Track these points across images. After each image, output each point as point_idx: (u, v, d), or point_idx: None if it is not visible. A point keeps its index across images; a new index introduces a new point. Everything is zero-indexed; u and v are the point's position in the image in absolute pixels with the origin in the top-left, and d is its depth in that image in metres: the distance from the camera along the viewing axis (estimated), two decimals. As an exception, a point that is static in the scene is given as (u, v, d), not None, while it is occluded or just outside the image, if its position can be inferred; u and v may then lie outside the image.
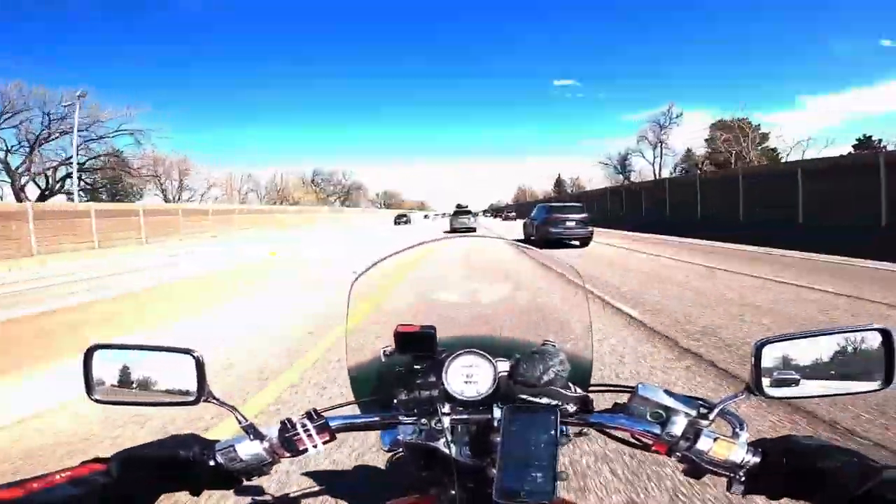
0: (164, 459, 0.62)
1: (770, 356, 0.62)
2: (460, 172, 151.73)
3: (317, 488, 2.00)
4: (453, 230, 26.51)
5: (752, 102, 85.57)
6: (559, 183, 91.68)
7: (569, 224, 14.83)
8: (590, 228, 14.95)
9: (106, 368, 0.69)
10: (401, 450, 0.79)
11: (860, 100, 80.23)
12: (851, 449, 0.55)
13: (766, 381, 0.62)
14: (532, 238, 16.45)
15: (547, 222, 15.27)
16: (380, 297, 1.19)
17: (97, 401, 0.69)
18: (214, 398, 0.69)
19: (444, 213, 77.27)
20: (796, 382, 0.62)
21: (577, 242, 15.05)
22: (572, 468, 2.19)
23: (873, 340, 0.61)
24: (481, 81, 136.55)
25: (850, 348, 0.61)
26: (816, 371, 0.62)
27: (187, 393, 0.69)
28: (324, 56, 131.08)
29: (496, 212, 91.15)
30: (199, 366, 0.68)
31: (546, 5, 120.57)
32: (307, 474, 2.13)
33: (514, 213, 58.77)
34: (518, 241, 13.16)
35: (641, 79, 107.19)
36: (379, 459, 2.18)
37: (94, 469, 0.57)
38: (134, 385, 0.69)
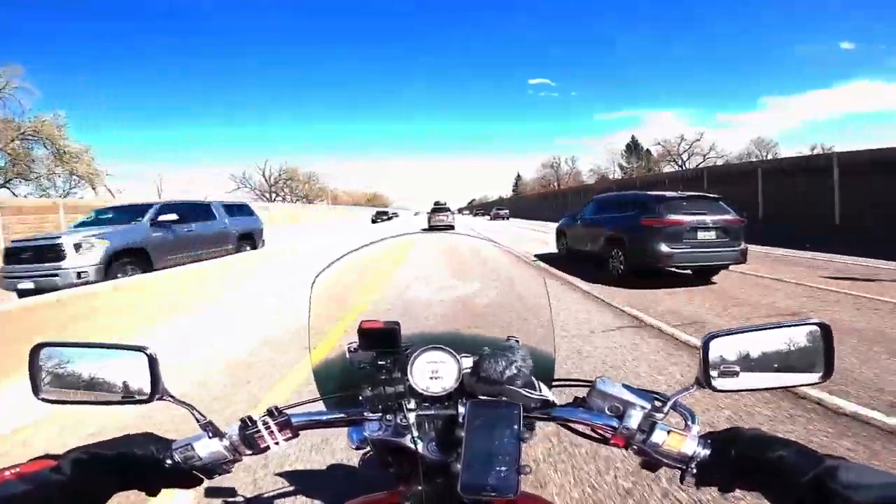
0: (117, 458, 0.61)
1: (718, 350, 0.64)
2: (437, 171, 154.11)
3: (290, 488, 1.99)
4: (431, 228, 25.99)
5: (717, 103, 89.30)
6: (517, 183, 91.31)
7: (706, 236, 7.16)
8: (743, 244, 7.36)
9: (53, 367, 0.67)
10: (369, 447, 0.78)
11: (818, 102, 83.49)
12: (794, 441, 0.57)
13: (714, 374, 0.64)
14: (590, 254, 9.12)
15: (653, 233, 7.18)
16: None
17: (45, 400, 0.67)
18: (170, 396, 0.68)
19: (417, 212, 76.91)
20: (742, 375, 0.65)
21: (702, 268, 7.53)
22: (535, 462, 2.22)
23: (814, 335, 0.64)
24: (458, 80, 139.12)
25: (793, 342, 0.64)
26: (762, 364, 0.65)
27: (140, 391, 0.67)
28: (287, 52, 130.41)
29: (478, 209, 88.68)
30: (153, 363, 0.66)
31: (521, 4, 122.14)
32: (281, 475, 2.13)
33: (506, 211, 52.00)
34: (540, 256, 10.97)
35: (612, 79, 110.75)
36: (353, 457, 2.11)
37: (44, 466, 0.56)
38: (84, 384, 0.67)
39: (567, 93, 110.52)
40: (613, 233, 8.16)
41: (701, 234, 7.22)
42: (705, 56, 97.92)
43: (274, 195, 72.43)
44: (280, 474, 2.13)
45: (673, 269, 7.39)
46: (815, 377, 0.65)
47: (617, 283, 7.37)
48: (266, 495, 1.92)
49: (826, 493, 0.48)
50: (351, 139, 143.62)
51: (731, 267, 7.53)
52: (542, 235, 18.56)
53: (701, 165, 48.49)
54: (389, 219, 50.93)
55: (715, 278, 7.70)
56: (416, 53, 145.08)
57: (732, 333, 0.65)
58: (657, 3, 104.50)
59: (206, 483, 0.69)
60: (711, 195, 8.01)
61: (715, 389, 0.65)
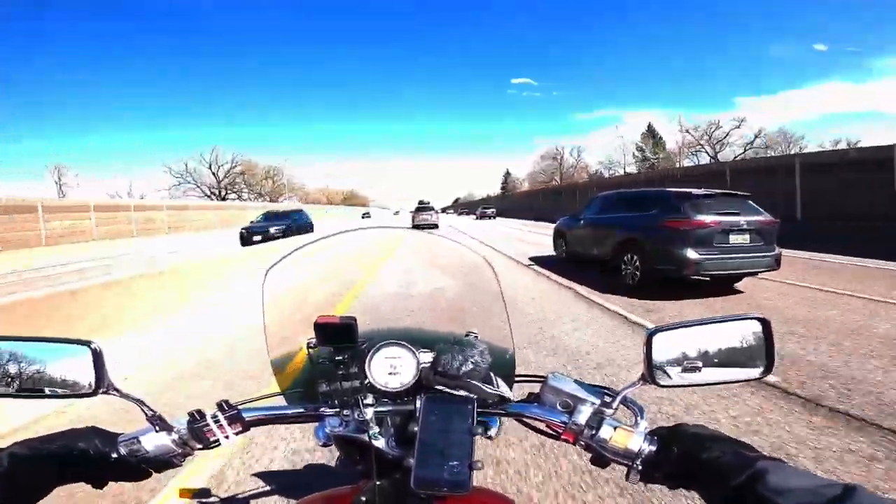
0: (59, 451, 0.61)
1: (661, 346, 0.65)
2: (419, 170, 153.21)
3: (263, 487, 1.99)
4: (415, 227, 25.84)
5: (692, 103, 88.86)
6: (506, 181, 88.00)
7: (739, 240, 6.26)
8: (777, 249, 6.49)
9: None
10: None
11: (791, 102, 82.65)
12: (735, 439, 0.57)
13: (657, 371, 0.65)
14: (596, 258, 8.22)
15: (678, 236, 6.24)
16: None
17: None
18: (115, 390, 0.68)
19: (397, 211, 76.33)
20: (686, 370, 0.65)
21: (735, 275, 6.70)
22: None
23: (754, 329, 0.65)
24: (438, 80, 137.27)
25: (735, 337, 0.65)
26: (704, 359, 0.65)
27: (84, 385, 0.67)
28: (283, 52, 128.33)
29: (463, 208, 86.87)
30: (97, 357, 0.66)
31: (502, 5, 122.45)
32: (258, 475, 2.14)
33: (492, 210, 50.23)
34: (536, 260, 10.33)
35: (592, 79, 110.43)
36: (326, 455, 2.19)
37: None
38: (25, 377, 0.66)
39: (549, 92, 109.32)
40: (627, 235, 7.17)
41: (734, 238, 6.19)
42: (682, 56, 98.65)
43: (226, 192, 62.68)
44: (259, 475, 2.15)
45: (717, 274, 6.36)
46: (756, 372, 0.65)
47: (632, 293, 6.50)
48: (235, 493, 1.90)
49: (754, 495, 0.48)
50: (344, 139, 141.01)
51: (758, 274, 6.72)
52: (535, 237, 17.76)
53: (738, 156, 43.58)
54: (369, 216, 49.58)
55: (742, 286, 6.85)
56: (399, 53, 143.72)
57: (676, 328, 0.65)
58: (638, 3, 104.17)
59: (177, 478, 0.69)
60: (740, 193, 6.93)
61: (658, 385, 0.65)
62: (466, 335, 0.81)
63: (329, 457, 2.12)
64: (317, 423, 0.79)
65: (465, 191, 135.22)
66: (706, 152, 50.31)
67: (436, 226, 28.19)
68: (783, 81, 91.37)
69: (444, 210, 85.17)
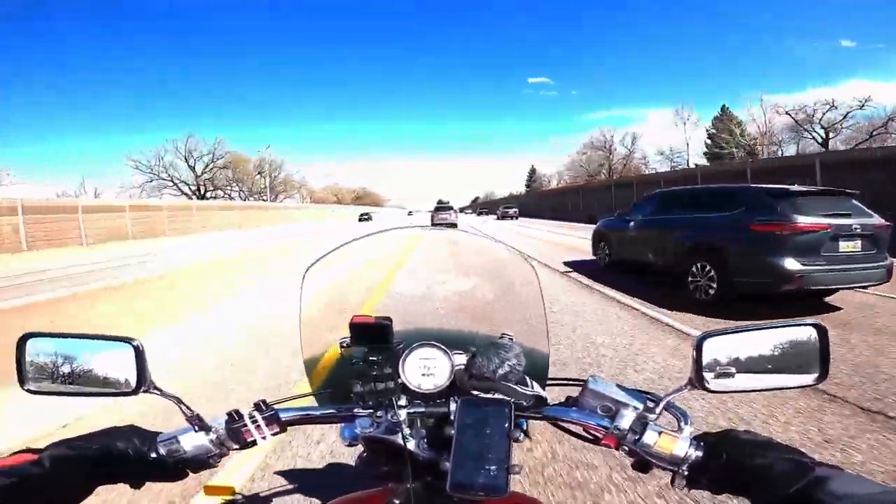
0: (99, 451, 0.61)
1: (711, 350, 0.63)
2: (437, 170, 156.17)
3: (283, 483, 2.01)
4: (434, 225, 25.79)
5: (715, 102, 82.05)
6: (532, 178, 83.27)
7: (849, 248, 5.13)
8: (889, 258, 5.35)
9: (40, 357, 0.67)
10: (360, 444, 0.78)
11: (819, 100, 74.25)
12: (788, 446, 0.55)
13: (707, 375, 0.63)
14: (651, 266, 7.19)
15: (773, 243, 5.05)
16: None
17: (30, 391, 0.67)
18: (156, 388, 0.68)
19: (411, 212, 76.67)
20: (735, 376, 0.64)
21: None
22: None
23: (809, 336, 0.63)
24: (456, 78, 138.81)
25: (787, 343, 0.63)
26: (755, 365, 0.63)
27: (126, 383, 0.67)
28: (286, 53, 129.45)
29: (483, 208, 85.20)
30: (139, 355, 0.66)
31: (520, 4, 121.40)
32: (279, 473, 2.16)
33: (515, 210, 47.76)
34: (572, 265, 9.12)
35: (611, 77, 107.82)
36: (349, 454, 2.17)
37: (25, 459, 0.56)
38: (70, 375, 0.67)
39: (566, 91, 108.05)
40: (700, 240, 5.96)
41: (843, 245, 5.07)
42: (706, 53, 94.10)
43: (207, 190, 54.01)
44: (276, 471, 2.16)
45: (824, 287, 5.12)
46: (809, 378, 0.64)
47: (705, 309, 5.35)
48: (259, 491, 1.92)
49: (812, 503, 0.47)
50: (349, 139, 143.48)
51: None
52: (568, 239, 16.10)
53: (859, 144, 31.89)
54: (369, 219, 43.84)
55: (838, 302, 5.60)
56: (415, 53, 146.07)
57: (726, 333, 0.64)
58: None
59: (194, 476, 0.69)
60: (845, 190, 5.68)
61: (708, 390, 0.63)
62: (501, 337, 0.80)
63: (349, 456, 2.13)
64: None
65: (483, 190, 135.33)
66: (815, 139, 37.91)
67: (455, 225, 28.04)
68: (810, 79, 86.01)
69: (461, 210, 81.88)
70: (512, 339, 0.79)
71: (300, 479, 2.13)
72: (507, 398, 0.69)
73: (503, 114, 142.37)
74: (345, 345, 0.79)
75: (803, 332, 0.63)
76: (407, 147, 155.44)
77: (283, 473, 2.16)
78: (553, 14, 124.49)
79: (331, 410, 0.77)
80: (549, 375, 0.84)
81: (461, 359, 0.75)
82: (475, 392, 0.70)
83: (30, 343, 0.67)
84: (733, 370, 0.63)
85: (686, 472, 0.60)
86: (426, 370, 0.74)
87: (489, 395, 0.70)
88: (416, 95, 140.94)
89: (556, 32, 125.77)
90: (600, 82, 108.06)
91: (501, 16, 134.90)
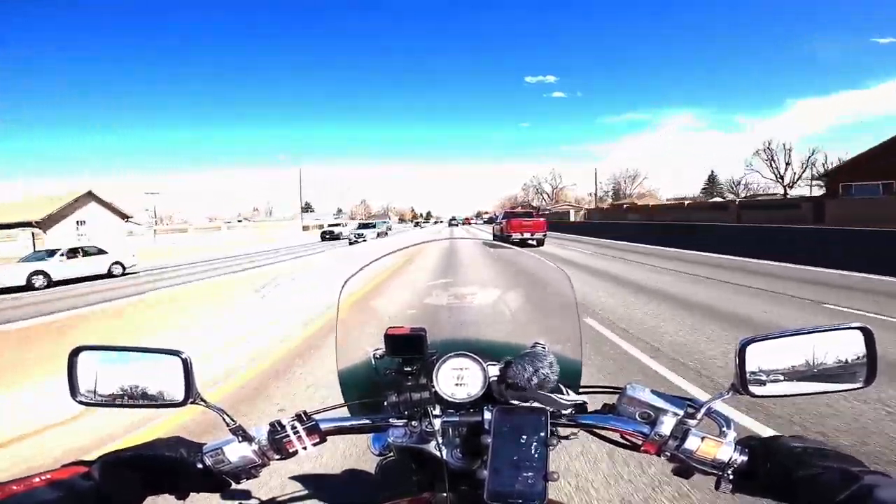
0: (148, 462, 0.62)
1: (754, 355, 0.63)
2: (444, 179, 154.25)
3: (306, 492, 1.99)
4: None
5: (737, 104, 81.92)
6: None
7: None
8: None
9: (91, 370, 0.68)
10: (391, 453, 0.79)
11: (849, 102, 74.84)
12: (837, 451, 0.55)
13: (750, 380, 0.63)
14: None
15: None
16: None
17: (81, 402, 0.68)
18: (202, 400, 0.69)
19: (418, 222, 77.84)
20: (780, 381, 0.63)
21: None
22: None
23: (855, 339, 0.62)
24: (460, 82, 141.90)
25: (832, 347, 0.62)
26: (800, 370, 0.63)
27: (174, 395, 0.68)
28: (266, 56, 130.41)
29: (490, 220, 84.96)
30: (187, 367, 0.67)
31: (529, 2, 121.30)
32: (296, 478, 2.12)
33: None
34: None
35: (620, 79, 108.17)
36: (369, 463, 2.16)
37: (75, 472, 0.56)
38: (120, 387, 0.68)
39: (573, 92, 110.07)
40: None
41: None
42: (724, 53, 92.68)
43: None
44: (295, 478, 2.12)
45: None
46: (856, 383, 0.63)
47: None
48: (281, 499, 1.86)
49: None
50: (333, 147, 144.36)
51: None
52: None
53: None
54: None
55: None
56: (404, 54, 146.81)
57: (769, 338, 0.63)
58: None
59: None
60: None
61: (752, 395, 0.63)
62: (533, 346, 0.80)
63: (370, 464, 2.06)
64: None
65: (482, 203, 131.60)
66: None
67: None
68: (839, 81, 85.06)
69: (464, 221, 79.10)
70: (545, 347, 0.80)
71: (319, 485, 2.13)
72: (543, 406, 0.69)
73: (508, 121, 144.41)
74: (378, 355, 0.79)
75: (848, 336, 0.62)
76: (410, 158, 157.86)
77: (299, 478, 2.13)
78: (563, 14, 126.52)
79: (366, 420, 0.77)
80: (583, 383, 0.85)
81: (494, 368, 0.76)
82: (512, 401, 0.70)
83: (81, 356, 0.68)
84: (777, 375, 0.63)
85: (731, 477, 0.60)
86: (459, 380, 0.74)
87: (525, 404, 0.70)
88: (418, 106, 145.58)
89: (566, 35, 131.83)
90: (610, 85, 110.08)
91: (507, 18, 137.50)
